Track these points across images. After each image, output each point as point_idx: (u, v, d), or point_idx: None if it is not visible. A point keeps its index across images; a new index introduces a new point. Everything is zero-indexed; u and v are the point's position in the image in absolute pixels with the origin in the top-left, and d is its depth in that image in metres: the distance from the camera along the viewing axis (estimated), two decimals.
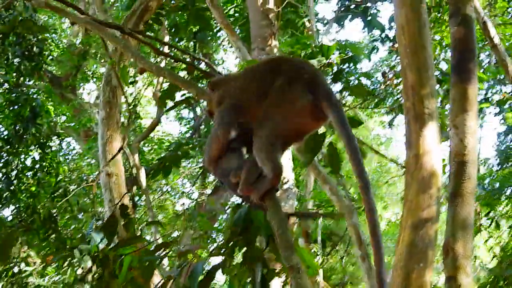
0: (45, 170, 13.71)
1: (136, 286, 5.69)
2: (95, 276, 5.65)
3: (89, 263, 5.66)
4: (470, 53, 3.74)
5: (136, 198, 19.02)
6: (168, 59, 16.60)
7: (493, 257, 12.63)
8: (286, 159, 10.05)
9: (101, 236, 5.72)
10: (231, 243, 5.12)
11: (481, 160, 20.96)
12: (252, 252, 5.02)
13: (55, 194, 13.94)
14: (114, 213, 6.21)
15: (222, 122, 3.93)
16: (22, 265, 12.80)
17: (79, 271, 6.35)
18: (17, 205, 13.17)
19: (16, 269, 12.79)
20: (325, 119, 3.64)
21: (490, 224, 12.77)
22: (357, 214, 10.45)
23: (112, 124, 12.60)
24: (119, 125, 12.79)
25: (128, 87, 12.85)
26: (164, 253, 5.75)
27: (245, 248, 5.04)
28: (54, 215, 13.96)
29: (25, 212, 13.06)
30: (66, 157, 23.59)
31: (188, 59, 8.95)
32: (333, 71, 7.46)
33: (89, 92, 25.32)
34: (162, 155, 16.64)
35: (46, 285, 12.99)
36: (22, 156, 13.55)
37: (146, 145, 23.85)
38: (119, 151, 10.52)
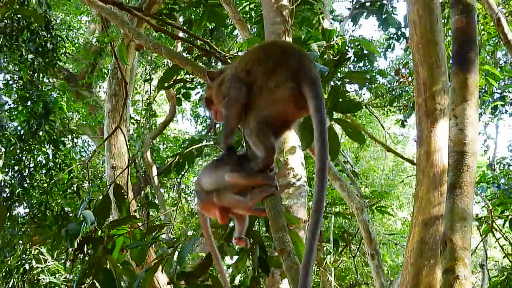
0: (58, 167, 13.73)
1: (129, 272, 5.65)
2: (86, 257, 5.60)
3: (76, 244, 5.59)
4: (471, 43, 3.65)
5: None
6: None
7: (504, 256, 12.51)
8: (298, 157, 10.00)
9: (92, 216, 5.65)
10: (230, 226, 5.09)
11: (497, 160, 20.86)
12: (250, 236, 4.99)
13: (68, 191, 13.97)
14: (107, 193, 6.13)
15: (230, 88, 3.83)
16: (33, 262, 12.84)
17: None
18: (29, 202, 13.19)
19: (27, 266, 12.83)
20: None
21: (504, 224, 12.66)
22: (368, 211, 10.39)
23: (117, 117, 12.56)
24: (124, 118, 12.75)
25: (128, 64, 12.75)
26: (156, 236, 5.70)
27: None
28: (67, 212, 14.00)
29: (37, 209, 13.09)
30: (82, 155, 23.68)
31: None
32: (336, 55, 7.36)
33: (105, 90, 25.36)
34: (176, 153, 16.61)
35: (57, 282, 13.01)
36: (35, 152, 13.58)
37: (162, 143, 23.87)
38: (115, 129, 10.38)
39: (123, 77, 9.95)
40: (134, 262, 6.04)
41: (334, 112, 5.59)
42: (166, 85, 8.29)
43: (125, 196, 6.36)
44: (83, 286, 5.43)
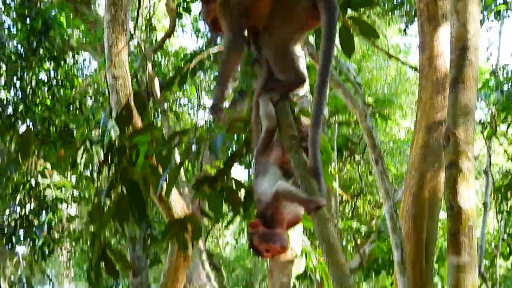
0: (59, 83, 13.70)
1: (156, 173, 5.64)
2: (111, 166, 5.59)
3: (101, 154, 5.59)
4: None
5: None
6: None
7: (508, 160, 12.61)
8: (301, 67, 9.96)
9: (114, 124, 5.62)
10: None
11: (500, 67, 20.76)
12: None
13: (71, 107, 13.97)
14: (128, 102, 6.07)
15: (231, 39, 3.75)
16: (39, 178, 12.94)
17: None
18: (32, 119, 13.21)
19: (33, 182, 12.93)
20: None
21: (508, 128, 12.69)
22: (371, 118, 10.38)
23: (116, 27, 12.41)
24: (124, 28, 12.59)
25: None
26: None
27: None
28: (71, 128, 14.04)
29: (41, 126, 13.11)
30: (84, 72, 23.62)
31: None
32: None
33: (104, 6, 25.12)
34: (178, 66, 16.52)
35: (63, 197, 13.13)
36: (36, 70, 13.53)
37: (163, 57, 23.73)
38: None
39: None
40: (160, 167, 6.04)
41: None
42: None
43: (145, 105, 6.31)
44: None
